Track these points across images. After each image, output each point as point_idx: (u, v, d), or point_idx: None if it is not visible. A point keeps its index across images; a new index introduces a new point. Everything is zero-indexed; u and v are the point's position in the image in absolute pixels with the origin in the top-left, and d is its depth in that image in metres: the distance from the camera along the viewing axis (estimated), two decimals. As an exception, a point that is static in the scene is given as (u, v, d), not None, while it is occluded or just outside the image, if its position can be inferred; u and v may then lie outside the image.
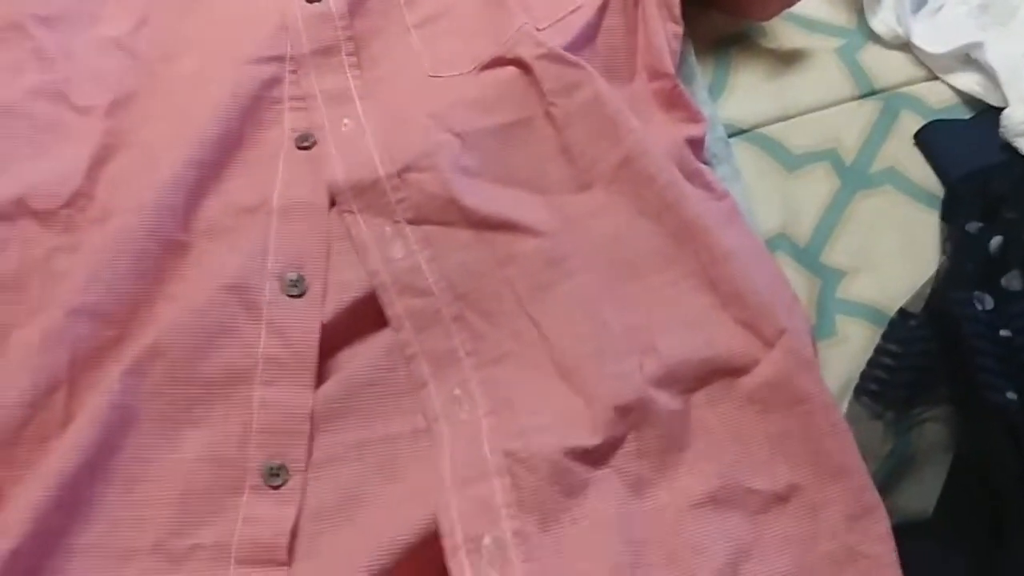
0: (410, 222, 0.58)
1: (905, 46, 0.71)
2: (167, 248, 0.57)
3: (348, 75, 0.64)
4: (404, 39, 0.66)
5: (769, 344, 0.54)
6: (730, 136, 0.68)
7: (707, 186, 0.59)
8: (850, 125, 0.68)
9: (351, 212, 0.58)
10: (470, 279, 0.57)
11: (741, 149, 0.68)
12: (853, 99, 0.70)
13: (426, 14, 0.66)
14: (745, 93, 0.70)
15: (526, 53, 0.61)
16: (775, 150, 0.68)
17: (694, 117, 0.62)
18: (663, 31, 0.64)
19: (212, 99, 0.62)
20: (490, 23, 0.64)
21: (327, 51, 0.64)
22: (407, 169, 0.59)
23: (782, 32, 0.71)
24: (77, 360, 0.54)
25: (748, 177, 0.66)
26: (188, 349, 0.54)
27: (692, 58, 0.69)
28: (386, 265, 0.57)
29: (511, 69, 0.62)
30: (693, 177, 0.59)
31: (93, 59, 0.65)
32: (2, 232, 0.59)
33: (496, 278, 0.57)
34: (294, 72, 0.64)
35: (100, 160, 0.61)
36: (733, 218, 0.59)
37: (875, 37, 0.72)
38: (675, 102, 0.63)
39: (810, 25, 0.73)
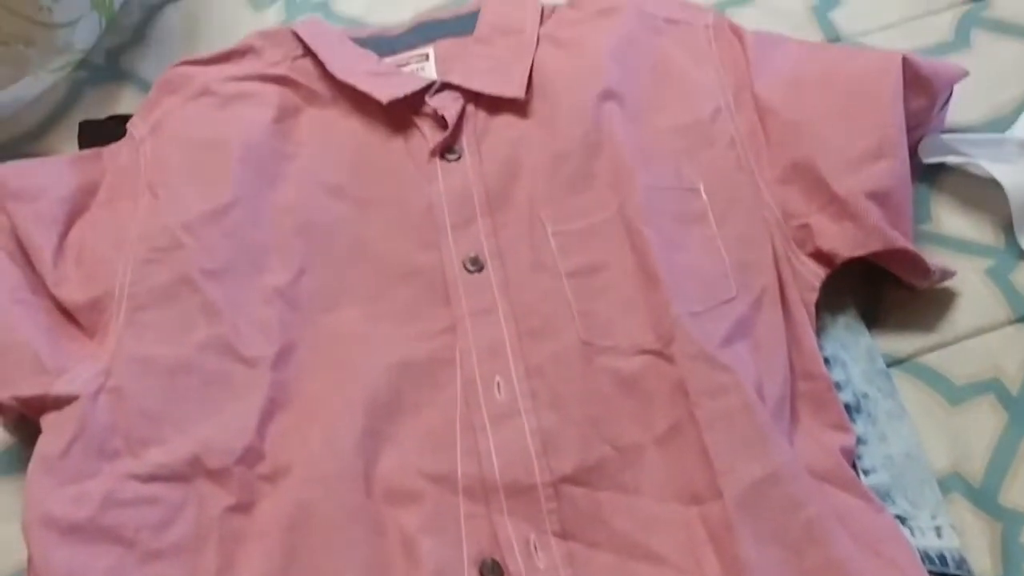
0: (556, 534, 0.57)
1: (1059, 264, 0.71)
2: (353, 518, 0.57)
3: (504, 330, 0.65)
4: (558, 287, 0.66)
5: None
6: (887, 367, 0.67)
7: (865, 496, 0.58)
8: (1010, 352, 0.67)
9: (499, 512, 0.58)
10: None
11: (901, 381, 0.67)
12: (1009, 323, 0.69)
13: (579, 264, 0.67)
14: (898, 320, 0.69)
15: (679, 351, 0.60)
16: (936, 382, 0.67)
17: (843, 424, 0.61)
18: (811, 327, 0.64)
19: (381, 361, 0.63)
20: (644, 298, 0.64)
21: (485, 311, 0.66)
22: (564, 481, 0.59)
23: (928, 254, 0.70)
24: None
25: (912, 411, 0.65)
26: None
27: (844, 290, 0.69)
28: (528, 574, 0.56)
29: (663, 365, 0.61)
30: (849, 488, 0.58)
31: (257, 309, 0.67)
32: (179, 494, 0.60)
33: None
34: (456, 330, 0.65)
35: (268, 414, 0.63)
36: (894, 538, 0.57)
37: (1026, 256, 0.72)
38: (825, 406, 0.62)
39: (956, 245, 0.72)
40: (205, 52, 0.81)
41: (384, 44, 0.82)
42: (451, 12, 0.84)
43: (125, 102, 0.87)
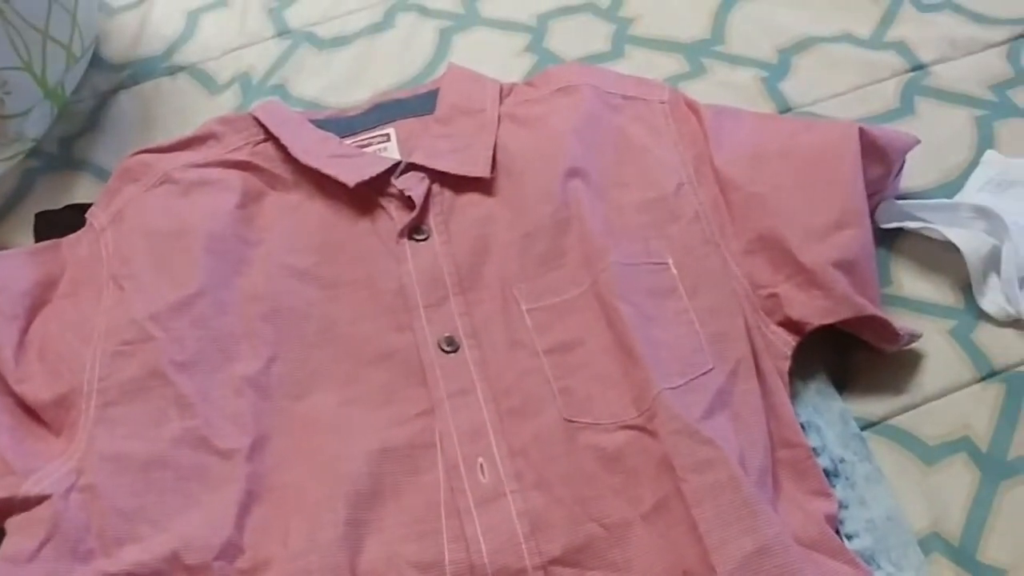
0: None
1: (1018, 323, 0.73)
2: None
3: (484, 410, 0.65)
4: (536, 365, 0.66)
5: None
6: (861, 430, 0.68)
7: (851, 562, 0.59)
8: (978, 410, 0.68)
9: None
10: None
11: (875, 443, 0.67)
12: (975, 382, 0.70)
13: (556, 341, 0.67)
14: (867, 383, 0.70)
15: (662, 426, 0.60)
16: (909, 443, 0.67)
17: (825, 491, 0.62)
18: (786, 395, 0.65)
19: (359, 448, 0.62)
20: (623, 373, 0.64)
21: (463, 392, 0.65)
22: (553, 562, 0.58)
23: (893, 317, 0.72)
24: None
25: (887, 473, 0.66)
26: None
27: (813, 355, 0.70)
28: None
29: (647, 439, 0.61)
30: (837, 554, 0.59)
31: (229, 400, 0.66)
32: (157, 592, 0.58)
33: None
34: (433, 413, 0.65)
35: (245, 507, 0.62)
36: None
37: (986, 315, 0.73)
38: (806, 473, 0.63)
39: (919, 307, 0.74)
40: (163, 139, 0.80)
41: (343, 125, 0.82)
42: (409, 92, 0.85)
43: (80, 190, 0.86)
